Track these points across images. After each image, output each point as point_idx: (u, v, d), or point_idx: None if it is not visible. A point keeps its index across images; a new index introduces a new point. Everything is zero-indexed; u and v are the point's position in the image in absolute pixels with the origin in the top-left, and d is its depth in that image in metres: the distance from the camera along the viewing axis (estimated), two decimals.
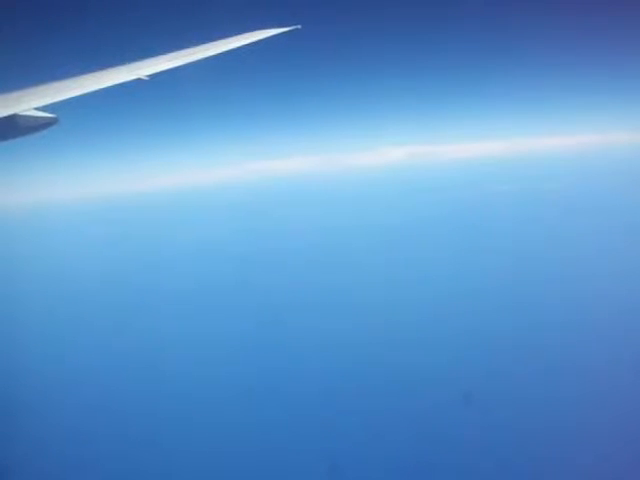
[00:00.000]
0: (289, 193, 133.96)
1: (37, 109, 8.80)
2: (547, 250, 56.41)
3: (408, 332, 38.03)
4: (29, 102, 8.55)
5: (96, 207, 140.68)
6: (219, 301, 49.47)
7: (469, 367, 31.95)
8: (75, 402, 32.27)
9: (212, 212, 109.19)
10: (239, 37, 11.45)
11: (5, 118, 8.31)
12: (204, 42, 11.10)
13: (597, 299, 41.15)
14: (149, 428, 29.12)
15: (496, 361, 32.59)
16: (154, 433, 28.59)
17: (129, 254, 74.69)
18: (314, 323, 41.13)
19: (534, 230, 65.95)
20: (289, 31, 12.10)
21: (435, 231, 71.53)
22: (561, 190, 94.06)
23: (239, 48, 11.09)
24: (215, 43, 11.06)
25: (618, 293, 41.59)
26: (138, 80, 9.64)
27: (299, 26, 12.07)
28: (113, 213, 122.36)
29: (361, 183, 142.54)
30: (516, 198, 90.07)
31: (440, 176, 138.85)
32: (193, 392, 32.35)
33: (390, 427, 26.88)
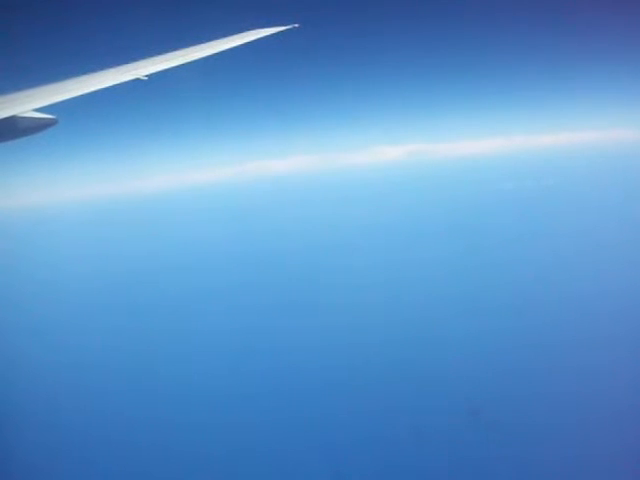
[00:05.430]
0: (287, 192, 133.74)
1: (36, 110, 8.83)
2: (548, 249, 56.37)
3: (406, 332, 38.01)
4: (28, 103, 8.58)
5: (94, 208, 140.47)
6: (219, 302, 49.43)
7: (471, 367, 31.86)
8: (74, 404, 32.20)
9: (210, 212, 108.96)
10: (236, 36, 11.49)
11: (4, 120, 8.34)
12: (202, 42, 11.13)
13: (598, 297, 41.16)
14: (149, 429, 29.07)
15: (499, 361, 32.52)
16: (155, 434, 28.55)
17: (129, 255, 74.64)
18: (312, 323, 41.12)
19: (535, 228, 65.90)
20: (286, 30, 12.13)
21: (435, 230, 71.44)
22: (563, 187, 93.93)
23: (236, 47, 11.11)
24: (213, 42, 11.10)
25: (618, 290, 41.63)
26: (137, 80, 9.68)
27: (297, 25, 12.10)
28: (112, 214, 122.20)
29: (360, 182, 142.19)
30: (517, 196, 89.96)
31: (440, 174, 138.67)
32: (194, 393, 32.32)
33: (392, 429, 26.79)
